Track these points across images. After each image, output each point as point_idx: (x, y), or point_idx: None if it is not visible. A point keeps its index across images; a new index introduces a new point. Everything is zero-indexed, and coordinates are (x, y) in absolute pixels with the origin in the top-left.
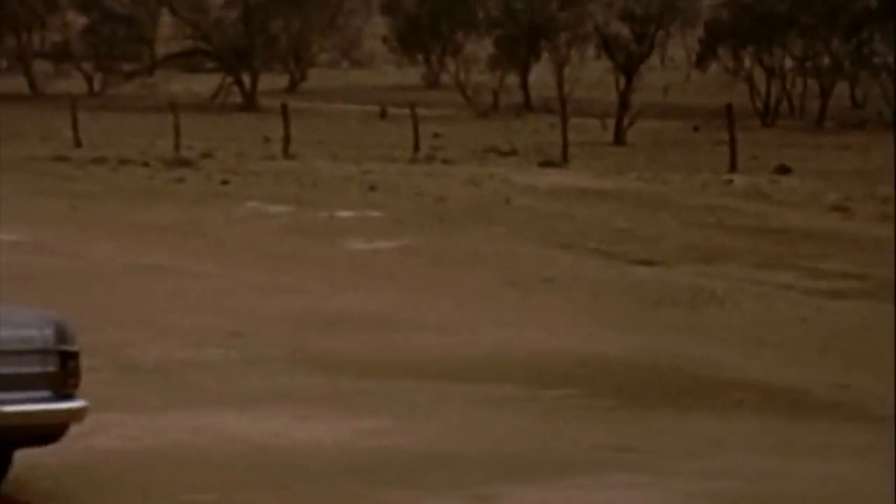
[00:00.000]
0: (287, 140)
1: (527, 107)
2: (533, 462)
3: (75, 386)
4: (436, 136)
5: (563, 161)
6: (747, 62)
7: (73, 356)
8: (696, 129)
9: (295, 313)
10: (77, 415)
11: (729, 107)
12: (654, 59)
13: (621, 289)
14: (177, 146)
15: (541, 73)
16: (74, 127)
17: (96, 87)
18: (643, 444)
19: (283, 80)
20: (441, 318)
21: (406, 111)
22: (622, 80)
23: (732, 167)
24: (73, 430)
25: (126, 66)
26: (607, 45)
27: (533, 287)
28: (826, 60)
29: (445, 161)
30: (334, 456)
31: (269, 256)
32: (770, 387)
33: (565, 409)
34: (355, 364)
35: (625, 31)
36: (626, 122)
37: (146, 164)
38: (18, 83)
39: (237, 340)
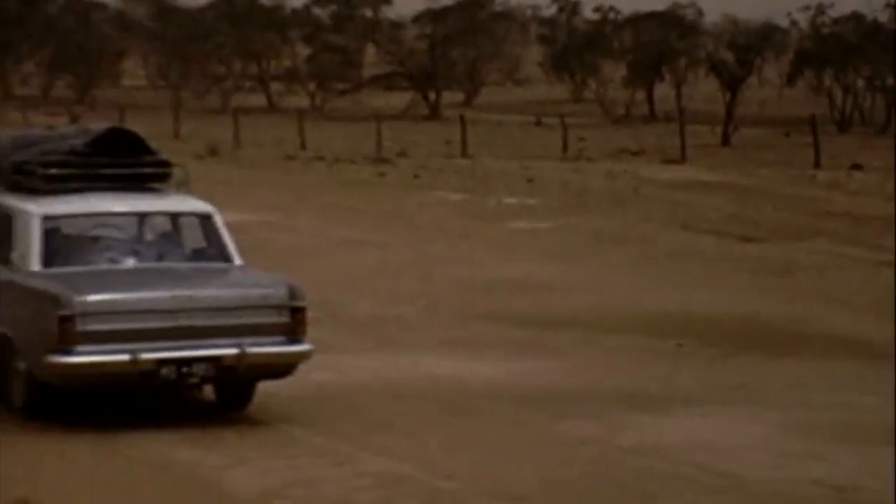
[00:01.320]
0: (464, 143)
1: (652, 117)
2: (659, 397)
3: (303, 333)
4: (580, 139)
5: (682, 159)
6: (827, 81)
7: (302, 310)
8: (786, 134)
9: (470, 278)
10: (304, 356)
11: (813, 117)
12: (753, 79)
13: (728, 260)
14: (378, 148)
15: (663, 90)
16: (301, 133)
17: (317, 102)
18: (745, 383)
19: (460, 96)
20: (585, 283)
21: (556, 120)
22: (727, 96)
23: (816, 164)
24: (301, 367)
25: (340, 86)
26: (716, 68)
27: (658, 259)
28: (890, 80)
29: (588, 159)
30: (503, 390)
31: (449, 234)
32: (847, 337)
33: (683, 355)
34: (518, 318)
35: (730, 56)
36: (730, 129)
37: (355, 162)
38: (259, 99)
39: (426, 299)
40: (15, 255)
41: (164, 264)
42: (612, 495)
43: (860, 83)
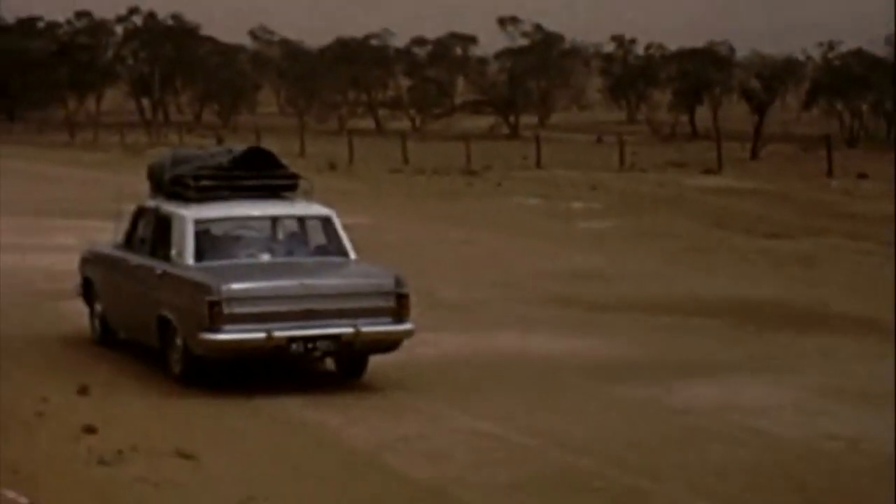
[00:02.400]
0: (538, 157)
1: (693, 135)
2: (701, 366)
3: (407, 315)
4: (633, 154)
5: (718, 170)
6: (838, 106)
7: (405, 296)
8: (805, 150)
9: (544, 268)
10: (408, 334)
11: (828, 136)
12: (777, 104)
13: (757, 253)
14: (468, 162)
15: (702, 113)
16: (403, 151)
17: (417, 125)
18: (774, 355)
19: (534, 119)
20: (638, 272)
21: (614, 138)
22: (756, 117)
23: (829, 174)
24: (405, 343)
25: (435, 111)
26: (746, 95)
27: (699, 252)
28: (889, 104)
29: (640, 170)
30: (572, 361)
31: (527, 232)
32: (858, 317)
33: (720, 332)
34: (583, 302)
35: (757, 85)
36: (758, 145)
37: (448, 174)
38: (368, 123)
39: (507, 286)
40: (173, 252)
41: (293, 258)
42: (660, 446)
43: (865, 107)
